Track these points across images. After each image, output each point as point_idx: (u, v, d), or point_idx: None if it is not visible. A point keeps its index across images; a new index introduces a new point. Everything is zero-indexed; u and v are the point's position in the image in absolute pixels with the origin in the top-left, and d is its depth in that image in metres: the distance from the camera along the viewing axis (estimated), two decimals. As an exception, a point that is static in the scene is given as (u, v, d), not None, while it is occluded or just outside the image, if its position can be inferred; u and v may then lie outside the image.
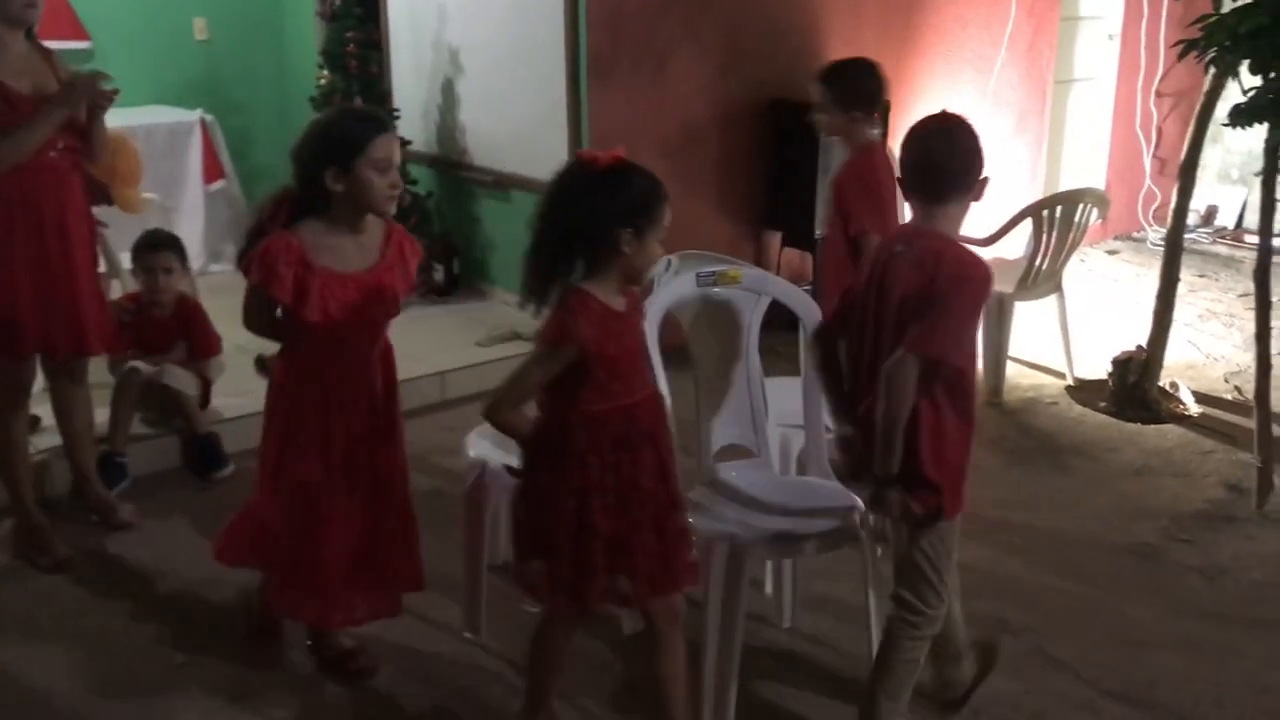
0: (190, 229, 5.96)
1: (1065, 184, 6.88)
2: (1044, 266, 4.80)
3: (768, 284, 3.06)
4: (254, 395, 4.37)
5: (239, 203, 6.34)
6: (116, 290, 4.62)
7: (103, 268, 4.03)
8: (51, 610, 3.25)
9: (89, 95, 3.24)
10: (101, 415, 3.86)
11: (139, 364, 4.01)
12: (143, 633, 3.15)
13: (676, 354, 2.92)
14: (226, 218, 6.24)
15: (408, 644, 3.09)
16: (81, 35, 6.22)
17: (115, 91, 3.33)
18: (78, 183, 3.36)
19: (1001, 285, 4.82)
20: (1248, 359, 4.20)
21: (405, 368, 4.61)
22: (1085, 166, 7.22)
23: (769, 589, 3.20)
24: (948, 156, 2.46)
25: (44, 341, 3.35)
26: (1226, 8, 3.57)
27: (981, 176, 2.48)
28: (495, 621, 3.14)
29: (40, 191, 3.22)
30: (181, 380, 4.08)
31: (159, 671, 2.99)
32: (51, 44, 3.42)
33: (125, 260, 4.44)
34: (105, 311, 3.61)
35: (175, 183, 6.00)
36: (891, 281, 2.44)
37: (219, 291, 5.64)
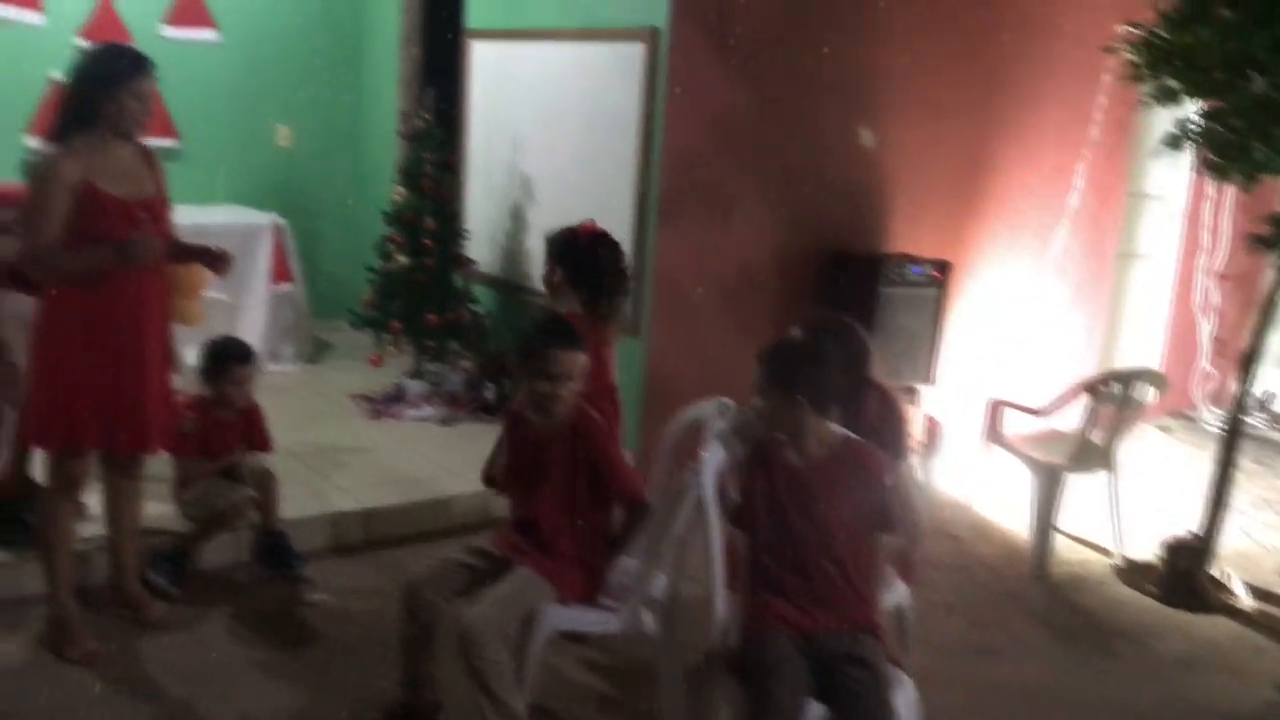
0: (252, 328, 6.05)
1: (1121, 357, 6.86)
2: (1098, 442, 4.74)
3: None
4: (290, 501, 4.45)
5: (302, 306, 6.43)
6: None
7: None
8: (71, 703, 3.22)
9: (142, 260, 3.25)
10: (155, 509, 3.89)
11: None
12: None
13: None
14: (289, 320, 6.33)
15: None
16: (171, 134, 6.45)
17: (230, 262, 3.57)
18: (157, 282, 3.41)
19: (1054, 456, 4.77)
20: (1304, 554, 4.09)
21: (447, 485, 4.73)
22: (1142, 341, 7.20)
23: None
24: None
25: (106, 439, 3.38)
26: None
27: None
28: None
29: (118, 288, 3.28)
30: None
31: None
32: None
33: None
34: (172, 410, 3.63)
35: (243, 282, 6.07)
36: None
37: (275, 392, 5.71)
